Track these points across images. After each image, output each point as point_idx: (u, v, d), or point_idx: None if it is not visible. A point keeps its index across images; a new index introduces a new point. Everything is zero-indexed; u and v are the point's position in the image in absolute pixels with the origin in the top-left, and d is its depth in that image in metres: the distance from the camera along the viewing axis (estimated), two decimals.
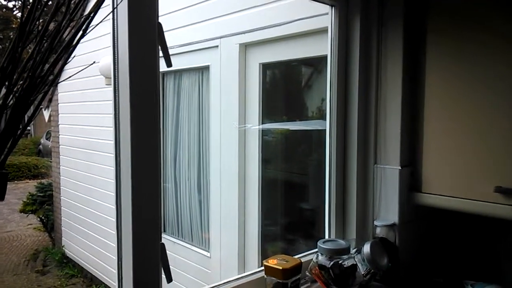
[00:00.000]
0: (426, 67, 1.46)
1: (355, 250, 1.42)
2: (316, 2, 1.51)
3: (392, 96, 1.50)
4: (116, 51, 0.97)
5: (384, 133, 1.53)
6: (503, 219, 1.32)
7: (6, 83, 0.65)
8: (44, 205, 6.32)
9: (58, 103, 5.80)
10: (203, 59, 3.30)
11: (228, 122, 3.05)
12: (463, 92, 1.38)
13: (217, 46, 3.09)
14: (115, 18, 0.95)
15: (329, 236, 1.58)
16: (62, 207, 5.84)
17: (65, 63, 0.70)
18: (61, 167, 5.81)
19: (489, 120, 1.33)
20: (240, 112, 2.96)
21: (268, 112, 2.95)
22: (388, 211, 1.51)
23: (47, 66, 0.70)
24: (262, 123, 2.91)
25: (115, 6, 0.89)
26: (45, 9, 0.71)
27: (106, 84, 3.94)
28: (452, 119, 1.41)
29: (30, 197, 6.38)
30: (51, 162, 6.53)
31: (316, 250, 1.36)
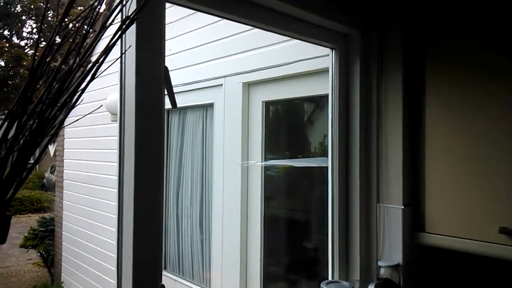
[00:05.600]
0: (427, 106, 1.49)
1: None
2: (317, 45, 1.57)
3: (393, 135, 1.52)
4: (123, 93, 1.01)
5: (387, 171, 1.53)
6: (509, 261, 1.30)
7: (15, 125, 0.67)
8: (45, 240, 6.25)
9: (64, 138, 5.87)
10: (208, 97, 3.36)
11: (231, 158, 3.07)
12: (465, 131, 1.39)
13: (221, 85, 3.16)
14: (123, 61, 0.99)
15: (332, 276, 1.55)
16: (63, 242, 5.77)
17: (73, 106, 0.73)
18: (64, 201, 5.80)
19: (492, 159, 1.33)
20: (243, 149, 2.99)
21: (271, 148, 2.96)
22: (392, 251, 1.49)
23: (56, 108, 0.72)
24: (265, 159, 2.92)
25: (123, 51, 0.93)
26: (57, 53, 0.74)
27: (112, 121, 4.01)
28: (454, 158, 1.42)
29: (32, 231, 6.32)
30: (54, 196, 6.52)
31: None
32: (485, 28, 1.37)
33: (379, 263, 1.48)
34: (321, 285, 1.32)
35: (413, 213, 1.50)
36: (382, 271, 1.46)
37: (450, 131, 1.43)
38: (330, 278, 1.55)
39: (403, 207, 1.47)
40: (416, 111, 1.51)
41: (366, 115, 1.57)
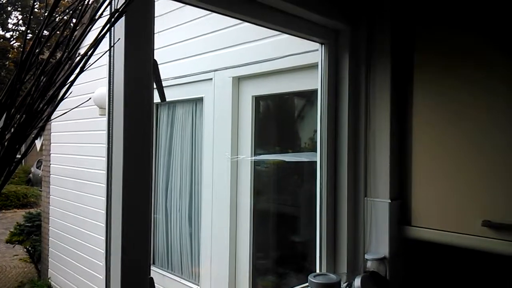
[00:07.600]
0: (414, 102, 1.51)
1: (346, 284, 1.42)
2: (307, 40, 1.57)
3: (381, 130, 1.54)
4: (111, 86, 1.00)
5: (374, 166, 1.55)
6: (493, 254, 1.33)
7: (4, 117, 0.67)
8: (32, 235, 6.18)
9: (51, 132, 5.79)
10: (197, 91, 3.35)
11: (221, 153, 3.07)
12: (451, 126, 1.42)
13: (211, 79, 3.15)
14: (112, 54, 0.99)
15: (320, 269, 1.57)
16: (50, 238, 5.71)
17: (61, 99, 0.72)
18: (51, 196, 5.73)
19: (477, 155, 1.36)
20: (232, 143, 2.99)
21: (261, 143, 2.97)
22: (378, 244, 1.51)
23: (44, 101, 0.72)
24: (255, 154, 2.93)
25: (112, 44, 0.92)
26: (45, 46, 0.74)
27: (100, 115, 3.97)
28: (440, 153, 1.44)
29: (18, 227, 6.24)
30: (41, 191, 6.44)
31: (307, 284, 1.35)
32: (473, 20, 1.39)
33: (366, 256, 1.50)
34: (309, 277, 1.34)
35: (399, 207, 1.53)
36: (368, 263, 1.48)
37: (436, 127, 1.46)
38: (317, 271, 1.57)
39: (389, 201, 1.50)
40: (404, 106, 1.53)
41: (355, 110, 1.59)
